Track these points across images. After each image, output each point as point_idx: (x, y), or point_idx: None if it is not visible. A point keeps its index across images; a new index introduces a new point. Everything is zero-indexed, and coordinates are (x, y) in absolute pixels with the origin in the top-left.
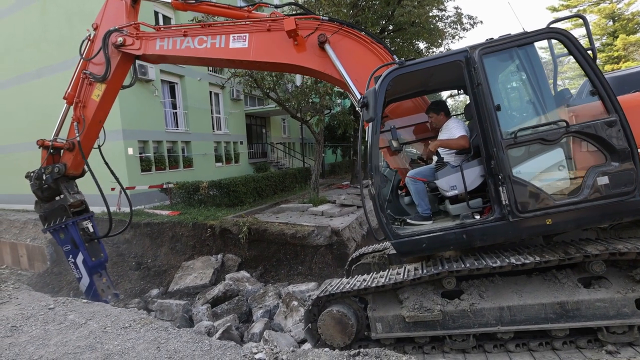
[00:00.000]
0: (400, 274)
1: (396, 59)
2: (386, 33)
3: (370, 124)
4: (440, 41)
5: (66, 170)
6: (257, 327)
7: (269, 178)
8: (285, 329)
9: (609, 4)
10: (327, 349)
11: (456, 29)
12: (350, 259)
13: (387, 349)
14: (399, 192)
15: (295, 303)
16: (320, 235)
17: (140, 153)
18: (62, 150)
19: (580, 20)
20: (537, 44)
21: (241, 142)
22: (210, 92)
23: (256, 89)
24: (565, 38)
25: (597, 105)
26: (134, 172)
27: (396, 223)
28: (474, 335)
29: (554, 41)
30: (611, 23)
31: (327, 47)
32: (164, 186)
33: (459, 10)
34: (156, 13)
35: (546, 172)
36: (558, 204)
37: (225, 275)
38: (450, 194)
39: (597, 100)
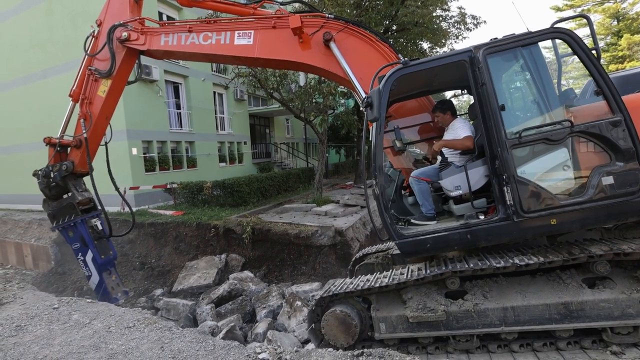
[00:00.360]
0: (403, 274)
1: (401, 58)
2: (390, 33)
3: (374, 124)
4: (444, 41)
5: (74, 167)
6: (260, 327)
7: (273, 178)
8: (289, 329)
9: (613, 3)
10: (330, 349)
11: (460, 29)
12: (353, 259)
13: (391, 349)
14: (403, 192)
15: (299, 303)
16: (324, 235)
17: (144, 153)
18: (69, 148)
19: (585, 20)
20: (541, 44)
21: (245, 142)
22: (214, 93)
23: (260, 89)
24: (569, 38)
25: (602, 105)
26: (138, 172)
27: (400, 223)
28: (478, 335)
29: (558, 41)
30: (615, 23)
31: (332, 45)
32: (168, 186)
33: (462, 10)
34: (160, 14)
35: (550, 172)
36: (562, 204)
37: (229, 275)
38: (454, 194)
39: (601, 100)
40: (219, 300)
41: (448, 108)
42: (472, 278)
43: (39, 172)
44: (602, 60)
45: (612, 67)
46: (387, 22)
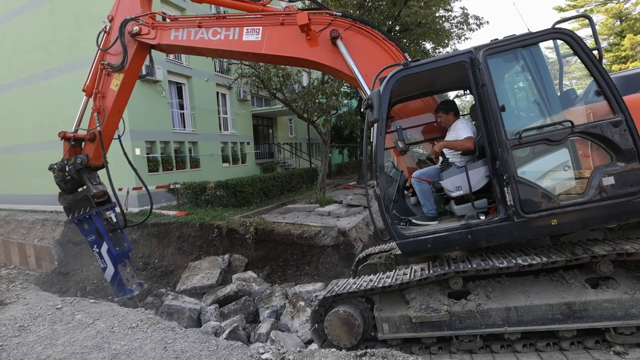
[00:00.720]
0: (406, 274)
1: (408, 57)
2: (393, 34)
3: (375, 124)
4: (446, 41)
5: (88, 161)
6: (263, 328)
7: (276, 178)
8: (292, 329)
9: (616, 3)
10: (333, 349)
11: (462, 29)
12: (356, 259)
13: (394, 350)
14: (405, 192)
15: (302, 303)
16: (327, 236)
17: (147, 153)
18: (83, 142)
19: (587, 20)
20: (543, 44)
21: (248, 143)
22: (217, 93)
23: (263, 90)
24: (570, 38)
25: (603, 106)
26: (142, 172)
27: (401, 223)
28: (481, 335)
29: (559, 41)
30: (618, 23)
31: (339, 42)
32: (171, 186)
33: (465, 11)
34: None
35: (551, 173)
36: (563, 204)
37: (232, 275)
38: (455, 194)
39: (602, 101)
40: (225, 299)
41: (450, 108)
42: (475, 278)
43: (55, 166)
44: (604, 61)
45: (615, 67)
46: (390, 23)
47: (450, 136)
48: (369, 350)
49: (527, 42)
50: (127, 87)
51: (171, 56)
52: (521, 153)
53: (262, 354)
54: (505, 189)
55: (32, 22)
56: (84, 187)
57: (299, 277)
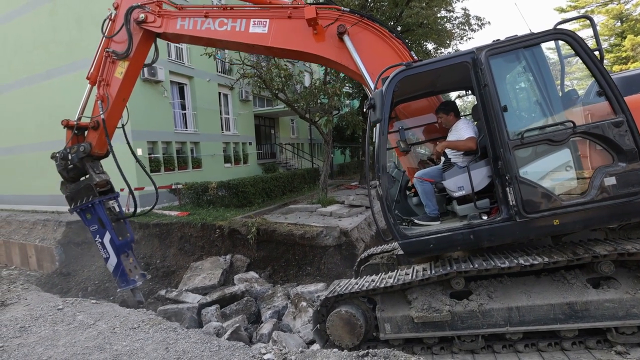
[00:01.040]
0: (408, 274)
1: (414, 55)
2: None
3: (378, 124)
4: (448, 42)
5: (91, 149)
6: (265, 328)
7: (278, 179)
8: (294, 329)
9: (617, 4)
10: (335, 350)
11: (464, 29)
12: (359, 259)
13: (396, 350)
14: (408, 192)
15: (304, 304)
16: (329, 236)
17: (149, 154)
18: (86, 131)
19: (588, 21)
20: (544, 45)
21: (250, 143)
22: (219, 93)
23: (265, 90)
24: (571, 39)
25: (605, 106)
26: (143, 172)
27: (404, 224)
28: (483, 335)
29: (560, 42)
30: (619, 24)
31: (346, 38)
32: (173, 187)
33: (467, 12)
34: None
35: (553, 173)
36: (565, 204)
37: (234, 276)
38: (457, 194)
39: (604, 101)
40: (230, 297)
41: (451, 109)
42: (477, 278)
43: (57, 155)
44: (605, 61)
45: (615, 67)
46: (392, 23)
47: (452, 136)
48: (371, 350)
49: (529, 43)
50: (131, 75)
51: (173, 56)
52: (523, 153)
53: (264, 354)
54: (508, 189)
55: (33, 22)
56: (87, 176)
57: (301, 278)
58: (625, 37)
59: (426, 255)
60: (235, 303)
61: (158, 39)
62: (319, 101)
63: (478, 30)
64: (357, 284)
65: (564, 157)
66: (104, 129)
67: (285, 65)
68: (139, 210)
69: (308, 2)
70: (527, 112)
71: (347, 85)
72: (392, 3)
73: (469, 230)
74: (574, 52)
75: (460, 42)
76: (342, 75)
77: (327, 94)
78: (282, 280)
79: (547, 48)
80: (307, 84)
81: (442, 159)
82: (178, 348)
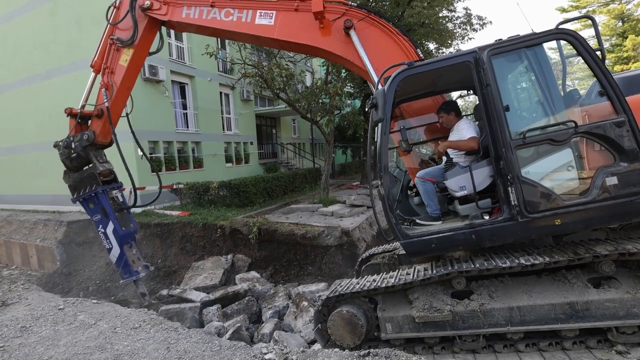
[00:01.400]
0: (410, 274)
1: (420, 54)
2: None
3: (380, 124)
4: (450, 42)
5: (95, 138)
6: (267, 328)
7: (279, 178)
8: (295, 329)
9: (619, 4)
10: (336, 350)
11: (466, 29)
12: (360, 259)
13: (397, 350)
14: (409, 192)
15: (305, 303)
16: (330, 236)
17: (150, 153)
18: (90, 120)
19: (590, 21)
20: (546, 45)
21: (251, 143)
22: (221, 93)
23: (266, 90)
24: (573, 39)
25: (606, 106)
26: (144, 172)
27: (405, 223)
28: (484, 335)
29: (562, 42)
30: (620, 24)
31: (352, 33)
32: (174, 186)
33: (468, 11)
34: None
35: (555, 173)
36: (567, 204)
37: (236, 275)
38: (459, 194)
39: (605, 101)
40: (233, 296)
41: (452, 109)
42: (478, 278)
43: (60, 143)
44: (607, 61)
45: (617, 67)
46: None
47: (453, 136)
48: (372, 350)
49: (531, 43)
50: (136, 63)
51: (174, 56)
52: (525, 153)
53: (266, 354)
54: (509, 188)
55: (33, 22)
56: (90, 165)
57: (302, 277)
58: (626, 37)
59: (428, 255)
60: (236, 303)
61: (163, 27)
62: (320, 101)
63: (480, 30)
64: (358, 283)
65: (566, 157)
66: (108, 117)
67: (287, 64)
68: (140, 208)
69: None
70: (529, 112)
71: (349, 84)
72: (394, 3)
73: (470, 230)
74: (575, 52)
75: (461, 42)
76: (343, 74)
77: (328, 93)
78: (284, 280)
79: (549, 48)
80: (308, 83)
81: (444, 158)
82: (179, 348)
